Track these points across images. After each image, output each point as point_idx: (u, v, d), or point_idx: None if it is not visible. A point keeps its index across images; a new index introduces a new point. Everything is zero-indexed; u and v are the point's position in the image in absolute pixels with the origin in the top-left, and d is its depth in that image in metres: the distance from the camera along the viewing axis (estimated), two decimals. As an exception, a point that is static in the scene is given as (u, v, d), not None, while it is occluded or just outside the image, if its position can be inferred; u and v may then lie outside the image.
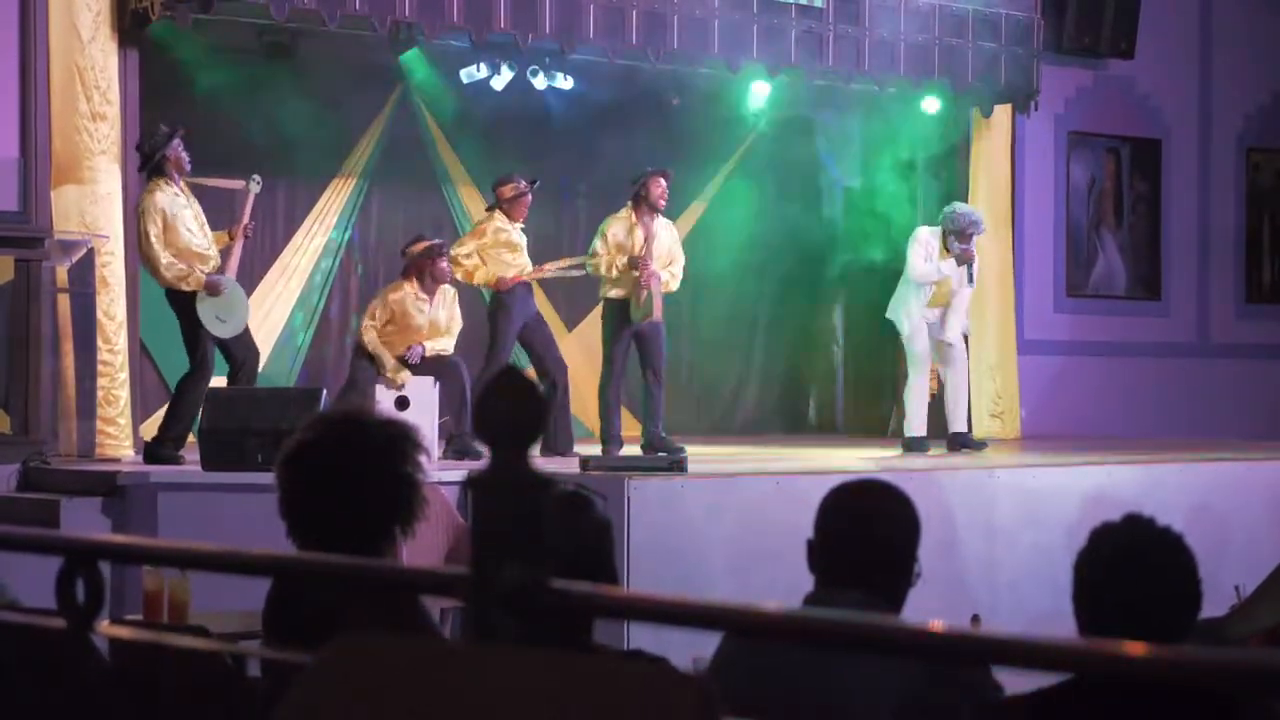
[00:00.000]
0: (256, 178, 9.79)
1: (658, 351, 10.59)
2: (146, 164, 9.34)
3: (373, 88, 12.22)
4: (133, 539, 5.60)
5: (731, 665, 3.55)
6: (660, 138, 12.43)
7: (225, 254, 9.55)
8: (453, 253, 10.44)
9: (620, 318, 10.48)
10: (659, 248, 10.48)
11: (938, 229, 11.01)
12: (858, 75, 12.28)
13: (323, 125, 11.66)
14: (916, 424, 11.12)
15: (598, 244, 10.49)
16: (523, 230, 10.65)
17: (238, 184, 9.90)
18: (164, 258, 9.24)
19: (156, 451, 9.31)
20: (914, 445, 11.08)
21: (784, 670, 3.49)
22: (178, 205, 9.31)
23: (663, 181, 10.53)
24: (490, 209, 10.70)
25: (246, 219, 9.69)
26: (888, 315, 11.17)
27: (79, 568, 2.28)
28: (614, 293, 10.49)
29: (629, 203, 10.55)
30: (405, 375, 9.97)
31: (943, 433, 11.15)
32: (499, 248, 10.47)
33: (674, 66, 11.71)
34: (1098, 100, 14.59)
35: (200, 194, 9.62)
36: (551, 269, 10.89)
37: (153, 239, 9.23)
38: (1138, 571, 3.14)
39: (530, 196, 10.56)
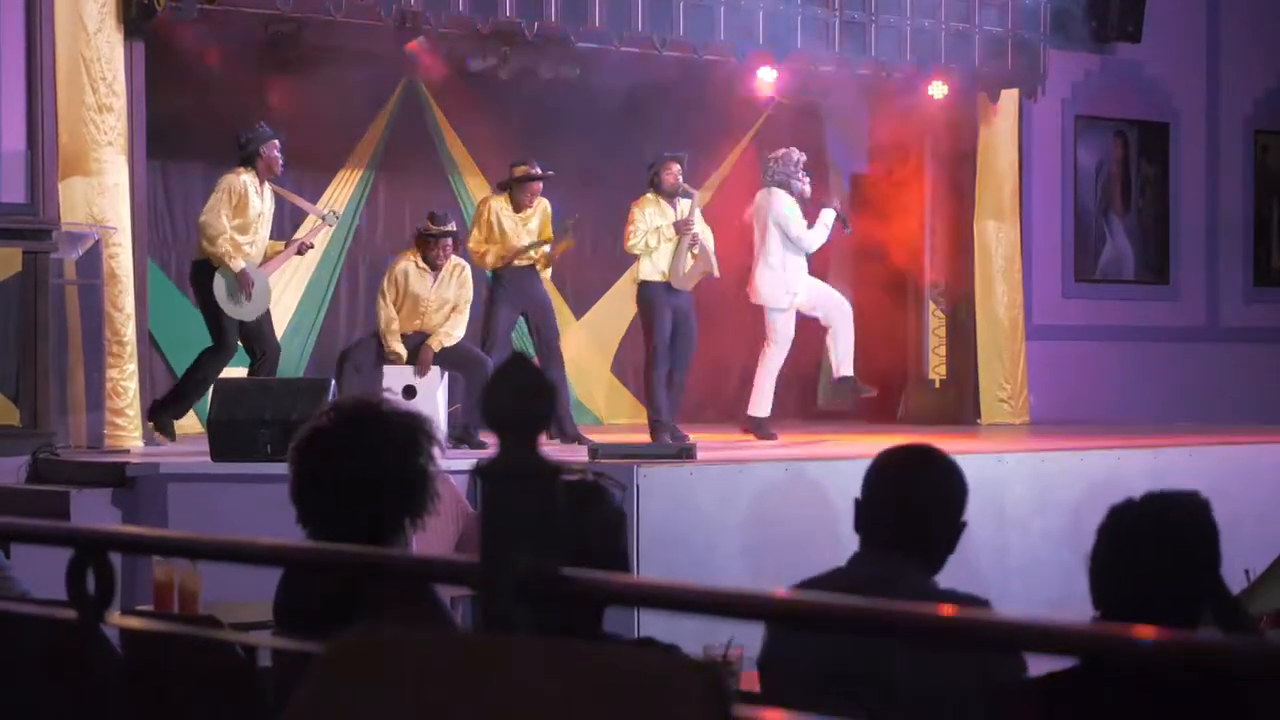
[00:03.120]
0: (336, 212, 10.22)
1: (689, 341, 10.58)
2: (241, 152, 9.69)
3: (379, 77, 12.21)
4: (143, 530, 5.60)
5: (775, 647, 3.63)
6: (667, 125, 12.41)
7: (269, 258, 9.91)
8: (469, 247, 10.45)
9: (659, 299, 10.45)
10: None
11: (780, 193, 10.77)
12: (864, 61, 12.27)
13: (329, 115, 11.65)
14: (764, 404, 10.92)
15: (638, 223, 10.45)
16: (526, 219, 10.59)
17: (318, 212, 10.49)
18: (224, 233, 9.54)
19: (159, 417, 9.50)
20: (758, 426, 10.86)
21: (807, 650, 3.55)
22: (252, 197, 9.63)
23: (675, 167, 10.56)
24: (500, 185, 10.71)
25: (305, 239, 10.22)
26: (759, 302, 10.90)
27: (89, 559, 2.29)
28: (649, 275, 10.48)
29: (649, 189, 10.57)
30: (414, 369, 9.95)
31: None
32: (490, 233, 10.47)
33: (680, 54, 11.70)
34: (1105, 84, 14.56)
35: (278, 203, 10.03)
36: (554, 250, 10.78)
37: (221, 213, 9.57)
38: (1157, 535, 3.18)
39: (539, 185, 10.54)
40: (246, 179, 9.60)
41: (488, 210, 10.51)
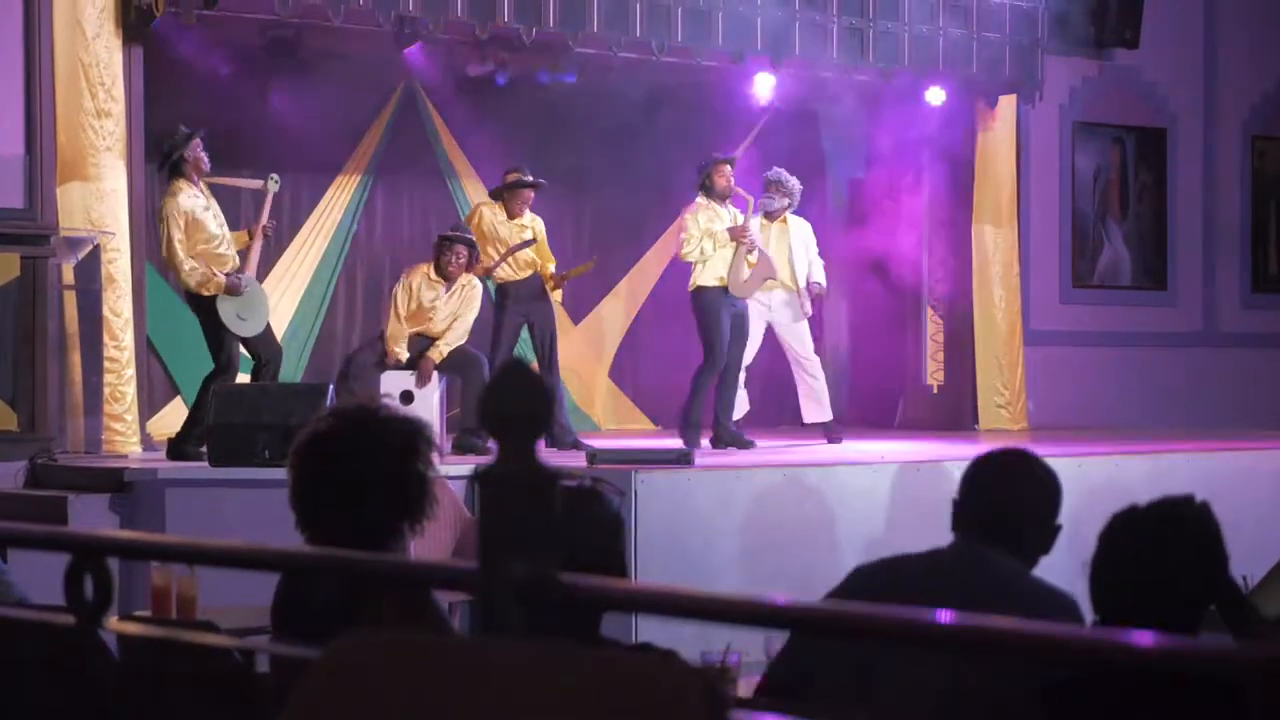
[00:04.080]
0: (275, 177, 9.88)
1: (741, 344, 10.55)
2: (165, 164, 9.38)
3: (377, 83, 12.22)
4: (140, 535, 5.60)
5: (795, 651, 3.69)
6: (665, 131, 12.41)
7: (244, 254, 9.60)
8: None
9: (718, 304, 10.39)
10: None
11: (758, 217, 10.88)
12: (862, 66, 12.28)
13: (327, 121, 11.65)
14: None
15: (692, 229, 10.42)
16: (521, 227, 10.56)
17: (256, 184, 10.00)
18: (186, 263, 9.27)
19: (180, 449, 9.33)
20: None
21: (835, 652, 3.58)
22: (198, 207, 9.34)
23: (726, 169, 10.54)
24: (493, 192, 10.71)
25: (265, 218, 9.78)
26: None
27: (87, 564, 2.28)
28: (707, 280, 10.42)
29: (700, 194, 10.55)
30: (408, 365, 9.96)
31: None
32: (484, 239, 10.47)
33: (679, 59, 11.70)
34: (1103, 90, 14.57)
35: (217, 193, 9.67)
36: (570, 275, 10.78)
37: (175, 244, 9.25)
38: (1162, 542, 3.19)
39: (530, 193, 10.53)
40: (181, 196, 9.26)
41: (478, 217, 10.55)
